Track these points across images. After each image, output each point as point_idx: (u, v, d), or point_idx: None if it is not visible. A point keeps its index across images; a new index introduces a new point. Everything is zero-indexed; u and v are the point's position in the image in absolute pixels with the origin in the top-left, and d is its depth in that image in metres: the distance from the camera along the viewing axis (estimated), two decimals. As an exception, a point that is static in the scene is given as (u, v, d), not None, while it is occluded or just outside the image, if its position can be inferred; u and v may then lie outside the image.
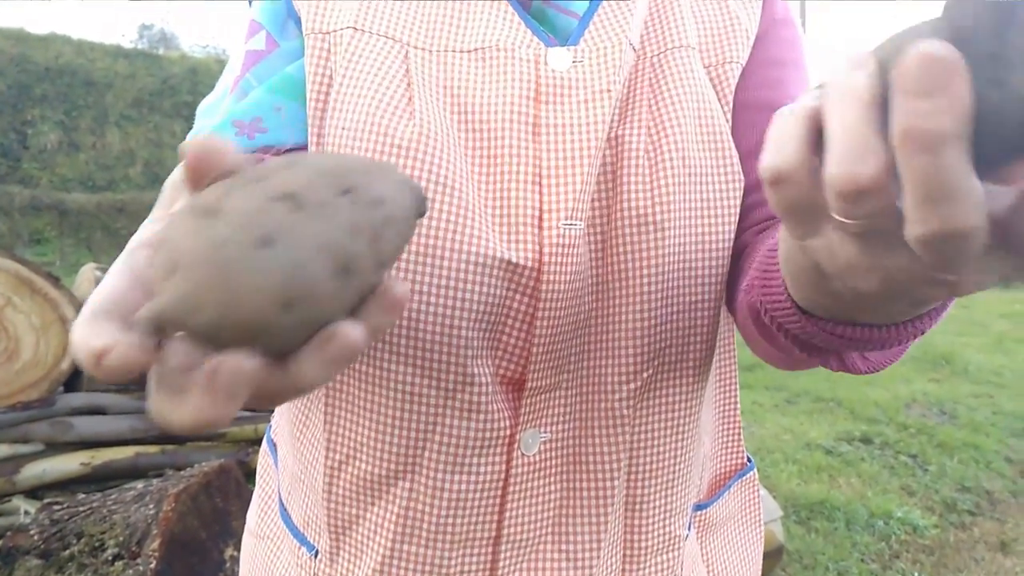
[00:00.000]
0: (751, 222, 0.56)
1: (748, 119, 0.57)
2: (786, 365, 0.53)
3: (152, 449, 2.41)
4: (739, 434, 0.68)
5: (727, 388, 0.66)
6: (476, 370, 0.51)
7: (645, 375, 0.54)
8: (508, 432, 0.53)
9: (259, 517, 0.67)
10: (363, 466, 0.54)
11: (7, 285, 2.31)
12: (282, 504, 0.63)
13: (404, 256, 0.49)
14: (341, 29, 0.53)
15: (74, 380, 2.45)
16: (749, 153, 0.56)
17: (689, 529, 0.61)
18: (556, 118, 0.51)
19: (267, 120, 0.54)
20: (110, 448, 2.38)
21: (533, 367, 0.52)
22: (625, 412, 0.54)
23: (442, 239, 0.49)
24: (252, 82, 0.55)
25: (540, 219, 0.50)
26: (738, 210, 0.55)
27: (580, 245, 0.51)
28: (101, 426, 2.38)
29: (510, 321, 0.51)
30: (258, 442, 2.56)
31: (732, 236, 0.55)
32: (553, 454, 0.54)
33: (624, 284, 0.53)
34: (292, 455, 0.60)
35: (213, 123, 0.54)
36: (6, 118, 12.45)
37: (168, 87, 15.18)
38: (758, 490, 0.70)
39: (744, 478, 0.68)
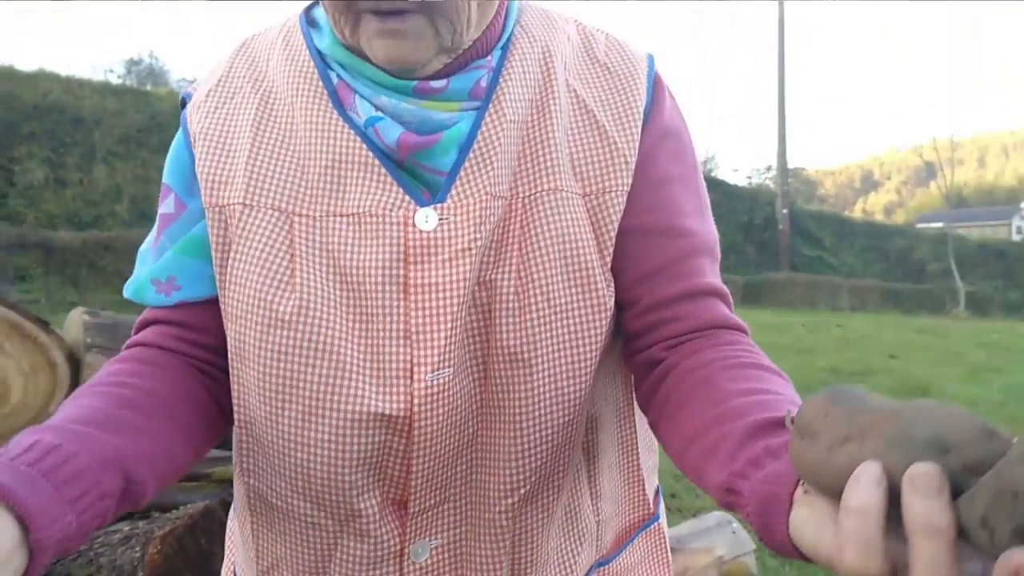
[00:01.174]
0: (658, 339, 0.63)
1: (640, 243, 0.64)
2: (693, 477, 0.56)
3: (138, 490, 2.44)
4: (643, 490, 0.75)
5: (628, 455, 0.73)
6: (362, 504, 0.61)
7: (523, 490, 0.62)
8: (398, 547, 0.63)
9: None
10: (283, 571, 0.65)
11: (-3, 330, 2.35)
12: (234, 572, 0.74)
13: (290, 413, 0.59)
14: (234, 203, 0.62)
15: (61, 423, 2.48)
16: (644, 276, 0.63)
17: None
18: (423, 277, 0.59)
19: (180, 278, 0.65)
20: (96, 490, 2.41)
21: (414, 493, 0.61)
22: (505, 523, 0.63)
23: (323, 399, 0.58)
24: (166, 243, 0.66)
25: (411, 372, 0.58)
26: (602, 336, 0.62)
27: (450, 388, 0.59)
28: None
29: (390, 459, 0.60)
30: (243, 482, 2.60)
31: (597, 358, 0.63)
32: (444, 557, 0.64)
33: (501, 413, 0.61)
34: (241, 543, 0.71)
35: (141, 278, 0.66)
36: (-7, 156, 12.52)
37: (156, 123, 15.29)
38: (664, 537, 0.78)
39: (649, 528, 0.76)
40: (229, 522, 0.77)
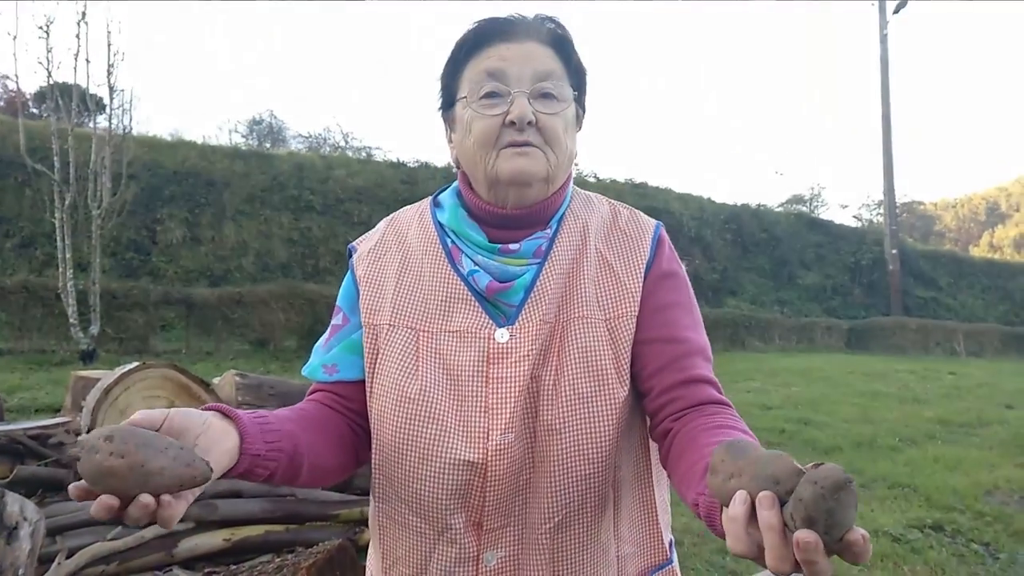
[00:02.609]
0: (667, 414, 0.92)
1: (650, 350, 0.94)
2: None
3: (279, 527, 2.87)
4: (660, 537, 1.02)
5: (648, 511, 1.01)
6: (453, 521, 0.91)
7: (556, 520, 0.92)
8: (476, 553, 0.92)
9: None
10: (401, 568, 0.97)
11: (170, 390, 2.87)
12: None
13: (410, 458, 0.91)
14: (382, 323, 0.97)
15: (218, 468, 2.96)
16: (654, 372, 0.93)
17: None
18: (498, 373, 0.91)
19: (340, 366, 1.01)
20: (246, 527, 2.86)
21: (487, 516, 0.91)
22: (545, 542, 0.92)
23: (431, 449, 0.90)
24: (334, 343, 1.03)
25: (487, 434, 0.89)
26: (614, 416, 0.91)
27: (512, 446, 0.89)
28: (239, 507, 2.86)
29: (472, 492, 0.91)
30: (364, 522, 2.98)
31: (610, 434, 0.91)
32: (506, 564, 0.93)
33: (543, 465, 0.91)
34: (376, 553, 1.03)
35: (314, 363, 1.03)
36: (139, 218, 13.92)
37: (277, 183, 16.56)
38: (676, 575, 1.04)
39: (664, 570, 1.02)
40: (371, 539, 1.11)
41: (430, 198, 1.07)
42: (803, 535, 0.54)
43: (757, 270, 21.51)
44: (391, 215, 1.11)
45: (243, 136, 27.72)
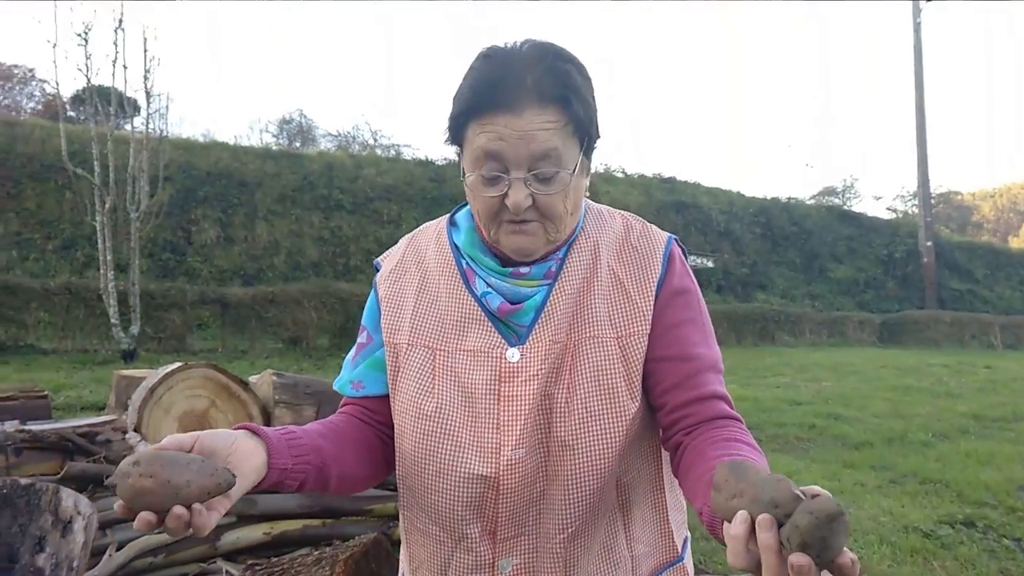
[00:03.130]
0: (679, 428, 0.96)
1: (663, 367, 0.97)
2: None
3: (316, 522, 2.97)
4: (671, 536, 1.07)
5: (659, 512, 1.06)
6: (468, 531, 0.97)
7: (570, 530, 0.97)
8: (491, 560, 0.98)
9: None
10: (424, 571, 1.03)
11: (212, 390, 2.98)
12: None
13: (428, 471, 0.97)
14: (401, 343, 1.02)
15: (257, 465, 3.07)
16: (668, 388, 0.97)
17: None
18: (509, 391, 0.95)
19: (365, 382, 1.07)
20: (284, 520, 2.96)
21: (500, 526, 0.96)
22: (559, 551, 0.98)
23: (447, 464, 0.96)
24: (359, 361, 1.08)
25: (500, 449, 0.94)
26: (624, 432, 0.94)
27: (523, 461, 0.94)
28: (278, 502, 2.97)
29: (486, 504, 0.96)
30: (397, 517, 3.08)
31: (618, 449, 0.95)
32: (520, 571, 0.98)
33: (557, 478, 0.96)
34: (405, 552, 1.10)
35: (343, 378, 1.09)
36: (175, 219, 14.23)
37: (308, 183, 16.79)
38: (688, 572, 1.09)
39: (675, 566, 1.08)
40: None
41: (447, 217, 1.11)
42: (797, 559, 0.60)
43: (787, 264, 21.29)
44: (412, 232, 1.15)
45: (273, 136, 28.13)
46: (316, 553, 2.27)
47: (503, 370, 0.96)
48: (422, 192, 17.86)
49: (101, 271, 9.89)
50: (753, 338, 15.59)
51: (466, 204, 1.07)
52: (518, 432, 0.94)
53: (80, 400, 6.43)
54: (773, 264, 21.00)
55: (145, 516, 0.71)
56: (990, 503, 4.23)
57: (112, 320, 9.73)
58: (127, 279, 10.21)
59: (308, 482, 0.92)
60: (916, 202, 24.59)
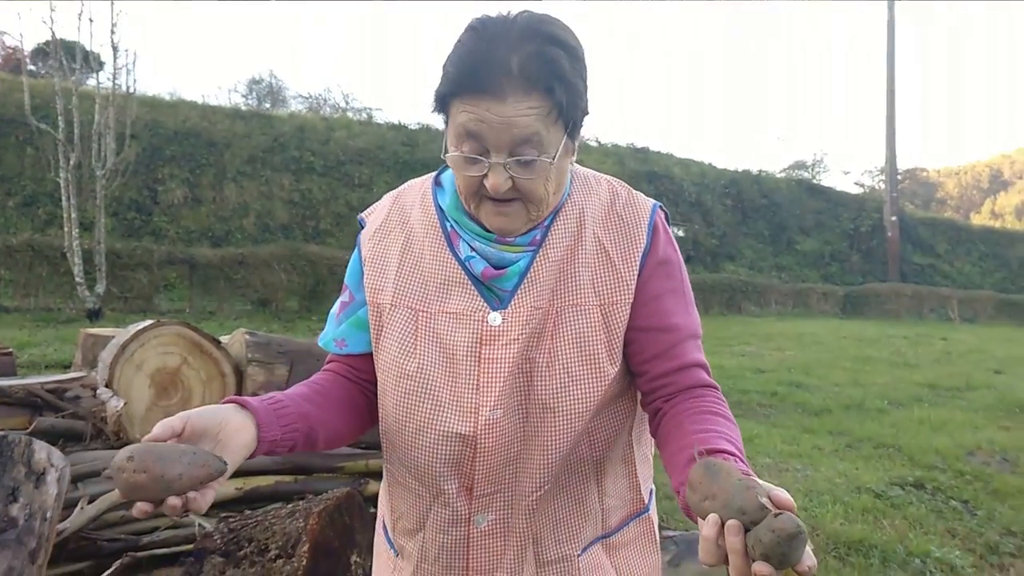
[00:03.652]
0: (659, 396, 0.99)
1: (644, 337, 1.00)
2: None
3: (288, 478, 3.01)
4: (639, 492, 1.12)
5: (629, 467, 1.11)
6: (446, 486, 1.00)
7: (546, 487, 1.01)
8: (467, 515, 1.01)
9: (378, 528, 1.21)
10: (403, 523, 1.07)
11: (184, 348, 2.98)
12: (384, 525, 1.16)
13: (408, 429, 1.00)
14: (384, 303, 1.03)
15: (230, 422, 3.09)
16: (649, 358, 1.00)
17: (584, 551, 1.07)
18: (489, 353, 0.97)
19: (348, 340, 1.09)
20: (256, 476, 2.99)
21: (477, 483, 1.00)
22: (534, 506, 1.02)
23: (427, 422, 0.99)
24: (342, 319, 1.10)
25: (478, 409, 0.97)
26: (601, 397, 0.98)
27: (502, 421, 0.96)
28: (250, 460, 3.01)
29: (464, 461, 0.99)
30: (369, 474, 3.12)
31: (593, 411, 0.99)
32: (495, 527, 1.02)
33: (535, 439, 1.00)
34: (386, 503, 1.14)
35: (327, 335, 1.10)
36: (140, 177, 13.94)
37: (279, 144, 16.52)
38: (653, 523, 1.16)
39: (641, 517, 1.14)
40: (380, 492, 1.23)
41: (433, 176, 1.10)
42: (760, 567, 0.68)
43: (756, 236, 21.56)
44: (396, 190, 1.14)
45: (243, 96, 27.52)
46: (290, 507, 2.31)
47: (484, 333, 0.98)
48: (394, 156, 17.68)
49: (65, 229, 9.69)
50: (720, 308, 15.84)
51: (447, 166, 1.06)
52: (496, 393, 0.96)
53: (44, 358, 6.36)
54: (742, 235, 21.25)
55: (142, 507, 0.76)
56: (939, 467, 4.41)
57: (77, 279, 9.56)
58: (92, 238, 10.02)
59: (297, 447, 0.96)
60: (883, 178, 24.96)
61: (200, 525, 2.72)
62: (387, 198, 1.14)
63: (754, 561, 0.69)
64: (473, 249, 1.00)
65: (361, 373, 1.08)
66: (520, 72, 0.87)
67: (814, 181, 26.35)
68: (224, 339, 3.41)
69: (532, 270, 0.99)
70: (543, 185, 0.94)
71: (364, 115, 23.76)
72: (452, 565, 1.04)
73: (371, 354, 1.06)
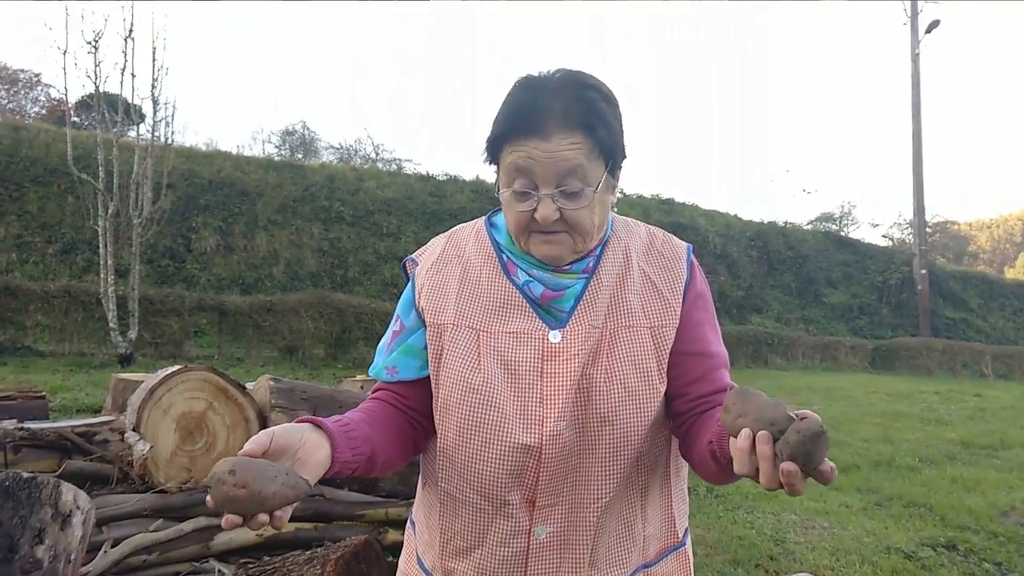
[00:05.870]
0: (691, 415, 1.07)
1: (686, 361, 1.09)
2: (719, 478, 1.02)
3: (308, 525, 3.03)
4: (674, 521, 1.16)
5: (666, 497, 1.15)
6: (509, 497, 1.04)
7: (603, 501, 1.05)
8: (528, 527, 1.05)
9: (406, 563, 1.24)
10: (458, 541, 1.09)
11: (210, 393, 3.04)
12: (418, 556, 1.19)
13: (473, 441, 1.04)
14: (447, 323, 1.10)
15: (252, 468, 3.12)
16: (690, 381, 1.08)
17: None
18: (551, 369, 1.04)
19: (399, 367, 1.14)
20: (277, 523, 3.02)
21: (539, 495, 1.05)
22: (593, 520, 1.06)
23: (493, 434, 1.04)
24: (394, 347, 1.15)
25: (542, 422, 1.03)
26: (654, 412, 1.06)
27: (564, 433, 1.03)
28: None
29: (527, 473, 1.04)
30: (389, 523, 3.13)
31: (650, 424, 1.06)
32: (554, 539, 1.06)
33: (592, 452, 1.05)
34: (426, 529, 1.17)
35: (378, 365, 1.15)
36: (175, 225, 14.31)
37: (309, 194, 16.89)
38: (689, 560, 1.19)
39: (677, 551, 1.17)
40: (408, 527, 1.25)
41: (484, 219, 1.20)
42: (787, 466, 0.76)
43: (783, 288, 21.39)
44: (448, 232, 1.23)
45: (276, 147, 28.22)
46: (308, 553, 2.33)
47: (546, 350, 1.05)
48: (422, 206, 17.96)
49: (101, 275, 9.95)
50: (746, 360, 15.66)
51: (499, 209, 1.17)
52: (560, 406, 1.02)
53: (76, 402, 6.47)
54: (769, 288, 21.11)
55: (233, 519, 0.81)
56: (972, 527, 4.29)
57: (111, 324, 9.78)
58: (127, 284, 10.27)
59: (359, 470, 1.00)
60: (912, 231, 24.76)
61: (220, 571, 2.74)
62: (439, 238, 1.23)
63: (781, 463, 0.77)
64: (531, 276, 1.08)
65: (408, 401, 1.14)
66: (562, 113, 1.00)
67: (841, 233, 26.20)
68: (249, 385, 3.47)
69: (588, 293, 1.08)
70: (588, 217, 1.04)
71: (393, 166, 24.27)
72: None
73: (419, 381, 1.12)
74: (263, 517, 0.82)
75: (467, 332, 1.08)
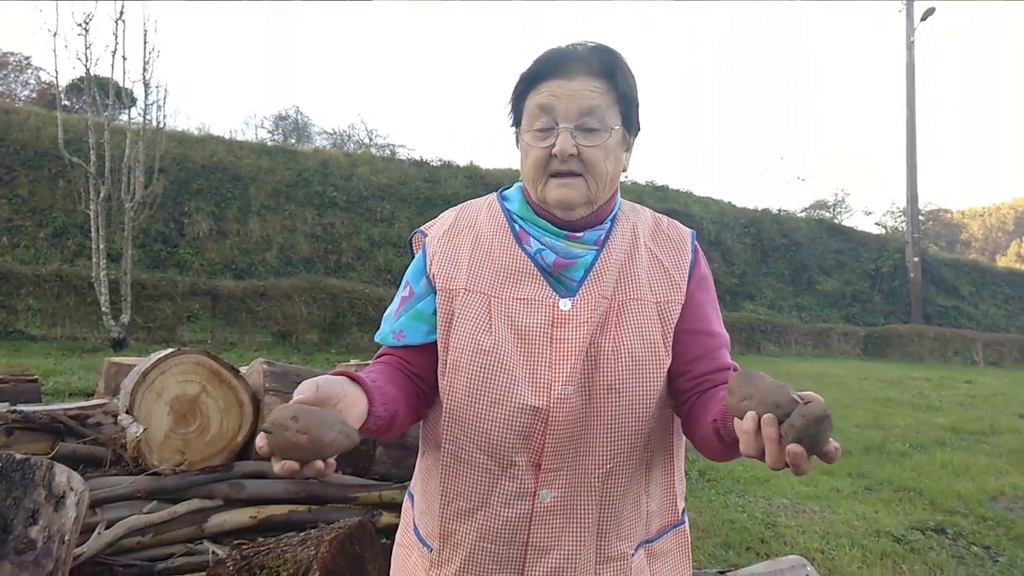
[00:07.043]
0: (693, 393, 1.09)
1: (690, 339, 1.11)
2: (722, 456, 1.04)
3: (301, 508, 3.04)
4: (675, 503, 1.18)
5: (668, 473, 1.17)
6: (516, 458, 1.05)
7: (607, 467, 1.07)
8: (533, 490, 1.07)
9: (402, 534, 1.24)
10: (461, 502, 1.10)
11: (203, 376, 3.04)
12: (415, 525, 1.20)
13: (482, 402, 1.05)
14: (459, 288, 1.11)
15: (246, 450, 3.13)
16: (692, 359, 1.10)
17: (635, 552, 1.11)
18: (560, 335, 1.07)
19: (406, 331, 1.14)
20: (270, 505, 3.02)
21: (545, 458, 1.06)
22: (596, 484, 1.07)
23: (502, 395, 1.05)
24: (402, 313, 1.16)
25: (551, 385, 1.05)
26: (660, 383, 1.08)
27: (571, 397, 1.04)
28: (265, 488, 3.03)
29: (535, 435, 1.05)
30: (383, 506, 3.14)
31: (656, 394, 1.07)
32: (558, 503, 1.07)
33: (598, 419, 1.06)
34: (423, 498, 1.18)
35: (384, 330, 1.16)
36: (167, 210, 14.22)
37: (302, 179, 16.81)
38: (687, 539, 1.20)
39: (677, 528, 1.19)
40: (405, 500, 1.26)
41: (495, 193, 1.23)
42: (793, 447, 0.79)
43: (776, 275, 21.44)
44: (460, 205, 1.25)
45: (269, 132, 28.03)
46: (301, 535, 2.33)
47: (556, 316, 1.07)
48: (416, 192, 17.90)
49: (93, 260, 9.89)
50: (739, 347, 15.71)
51: (510, 185, 1.22)
52: (568, 371, 1.04)
53: (69, 386, 6.45)
54: (762, 275, 21.15)
55: (291, 465, 0.81)
56: (961, 512, 4.34)
57: (103, 308, 9.73)
58: (119, 268, 10.21)
59: (383, 427, 1.01)
60: (905, 218, 24.81)
61: (213, 552, 2.75)
62: (450, 210, 1.26)
63: (787, 445, 0.78)
64: (543, 244, 1.11)
65: (412, 367, 1.14)
66: (586, 60, 1.08)
67: (835, 221, 26.24)
68: (243, 369, 3.46)
69: (598, 264, 1.11)
70: (603, 159, 1.08)
71: (387, 151, 24.14)
72: (513, 540, 1.07)
73: (424, 347, 1.13)
74: (320, 464, 0.82)
75: (478, 297, 1.10)
